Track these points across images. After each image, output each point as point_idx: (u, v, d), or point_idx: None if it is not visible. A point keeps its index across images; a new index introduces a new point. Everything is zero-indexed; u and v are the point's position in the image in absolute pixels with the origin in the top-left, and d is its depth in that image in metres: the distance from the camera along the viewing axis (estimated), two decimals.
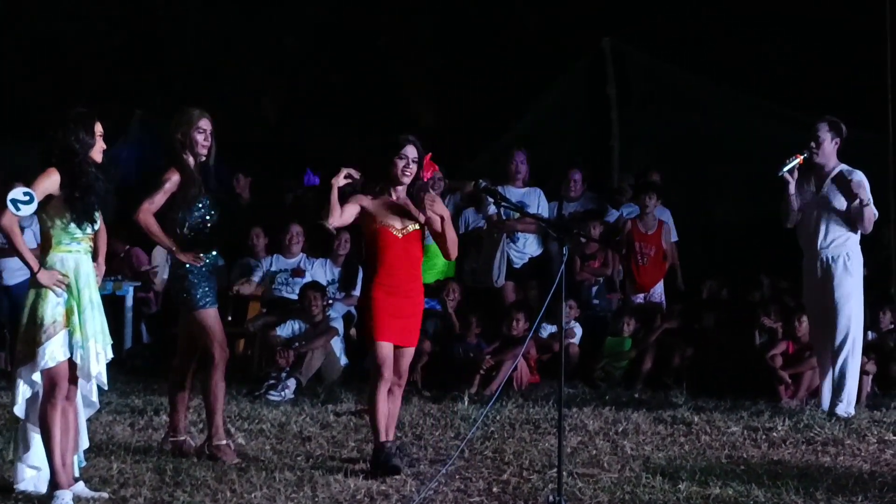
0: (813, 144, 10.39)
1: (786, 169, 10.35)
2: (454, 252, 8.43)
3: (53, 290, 7.19)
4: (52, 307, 7.19)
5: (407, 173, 8.14)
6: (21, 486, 7.35)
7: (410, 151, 8.17)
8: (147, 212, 8.46)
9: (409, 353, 8.31)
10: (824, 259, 10.43)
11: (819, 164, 10.44)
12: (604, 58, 16.33)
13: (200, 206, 8.61)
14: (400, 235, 8.13)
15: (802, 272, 10.71)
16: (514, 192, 13.32)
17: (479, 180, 8.90)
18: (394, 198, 8.20)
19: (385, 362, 8.03)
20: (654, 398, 11.54)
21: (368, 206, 8.15)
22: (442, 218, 8.19)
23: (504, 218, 13.51)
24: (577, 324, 13.04)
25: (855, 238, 10.45)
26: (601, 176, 15.91)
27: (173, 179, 8.53)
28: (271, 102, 23.29)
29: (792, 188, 10.44)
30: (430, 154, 8.34)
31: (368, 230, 8.18)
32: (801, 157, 10.36)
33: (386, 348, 8.05)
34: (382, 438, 7.99)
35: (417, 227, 8.20)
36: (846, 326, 10.34)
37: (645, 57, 16.42)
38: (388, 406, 8.08)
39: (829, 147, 10.39)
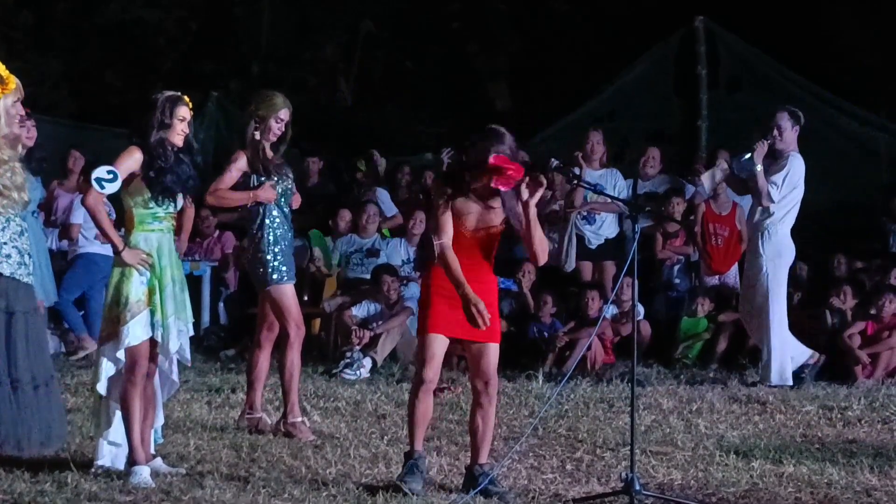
0: (776, 132, 11.04)
1: (748, 155, 11.10)
2: (543, 256, 7.08)
3: (138, 269, 7.28)
4: (137, 286, 7.27)
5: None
6: (100, 462, 7.44)
7: None
8: (212, 193, 8.61)
9: (491, 350, 6.98)
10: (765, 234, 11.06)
11: (779, 150, 11.10)
12: (696, 37, 16.24)
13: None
14: (468, 236, 6.92)
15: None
16: (590, 174, 13.22)
17: (552, 160, 7.64)
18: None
19: (432, 360, 6.79)
20: (729, 378, 11.50)
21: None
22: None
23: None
24: (639, 303, 12.96)
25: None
26: (687, 155, 15.84)
27: (242, 161, 8.63)
28: (346, 85, 23.39)
29: (760, 171, 10.94)
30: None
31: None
32: (766, 143, 11.01)
33: (437, 343, 6.82)
34: (417, 446, 6.94)
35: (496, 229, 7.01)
36: None
37: (736, 39, 16.32)
38: (476, 423, 6.98)
39: (789, 135, 11.06)
